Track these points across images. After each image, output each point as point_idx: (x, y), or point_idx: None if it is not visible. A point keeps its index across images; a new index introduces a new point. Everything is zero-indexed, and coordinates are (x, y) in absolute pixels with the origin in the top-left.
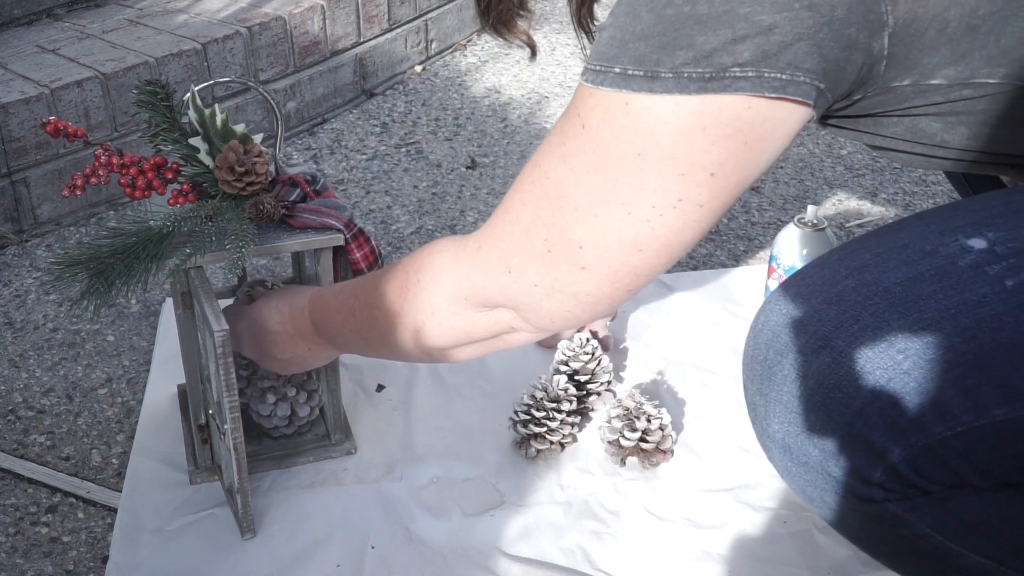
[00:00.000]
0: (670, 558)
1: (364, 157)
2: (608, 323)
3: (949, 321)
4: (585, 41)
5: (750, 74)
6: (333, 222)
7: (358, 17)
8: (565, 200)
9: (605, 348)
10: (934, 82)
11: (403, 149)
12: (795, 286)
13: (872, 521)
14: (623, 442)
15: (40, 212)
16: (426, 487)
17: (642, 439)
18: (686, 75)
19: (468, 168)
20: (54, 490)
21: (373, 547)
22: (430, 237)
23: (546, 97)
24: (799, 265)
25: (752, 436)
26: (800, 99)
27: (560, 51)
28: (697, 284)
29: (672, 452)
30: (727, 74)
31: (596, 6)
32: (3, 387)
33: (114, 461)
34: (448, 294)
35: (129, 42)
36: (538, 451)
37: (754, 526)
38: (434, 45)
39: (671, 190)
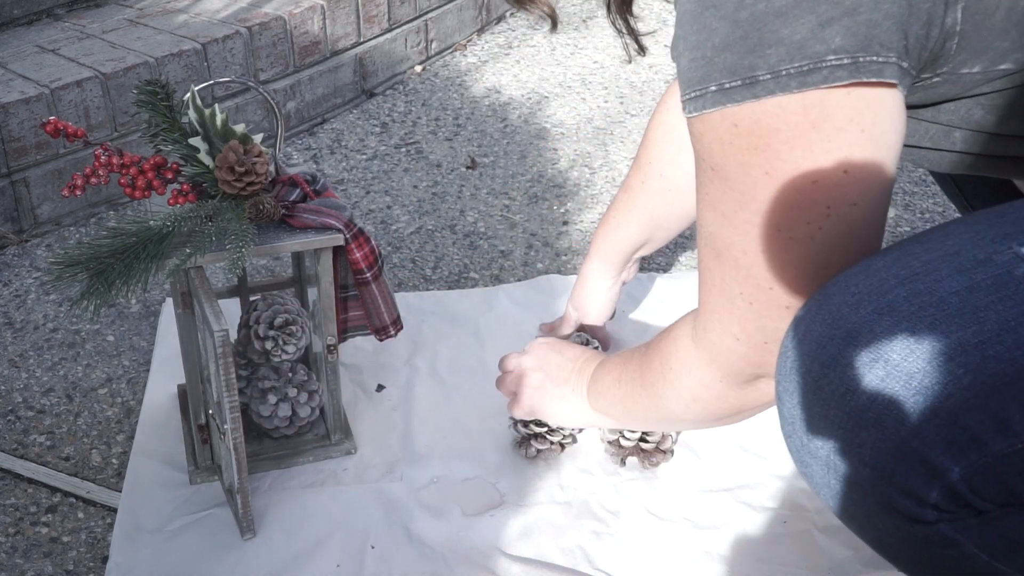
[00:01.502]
0: (670, 558)
1: (364, 157)
2: (606, 323)
3: (1010, 333)
4: (629, 41)
5: (846, 61)
6: (333, 222)
7: (358, 17)
8: (732, 247)
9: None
10: (1003, 67)
11: (403, 149)
12: (838, 295)
13: (920, 542)
14: (623, 442)
15: (40, 212)
16: (426, 487)
17: (642, 439)
18: (784, 72)
19: (468, 168)
20: (54, 490)
21: (373, 547)
22: (430, 237)
23: (546, 97)
24: None
25: (752, 436)
26: (894, 81)
27: (560, 51)
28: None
29: (672, 452)
30: (824, 63)
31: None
32: (3, 387)
33: (114, 461)
34: (707, 386)
35: (129, 42)
36: (538, 451)
37: (754, 526)
38: (434, 45)
39: (815, 201)
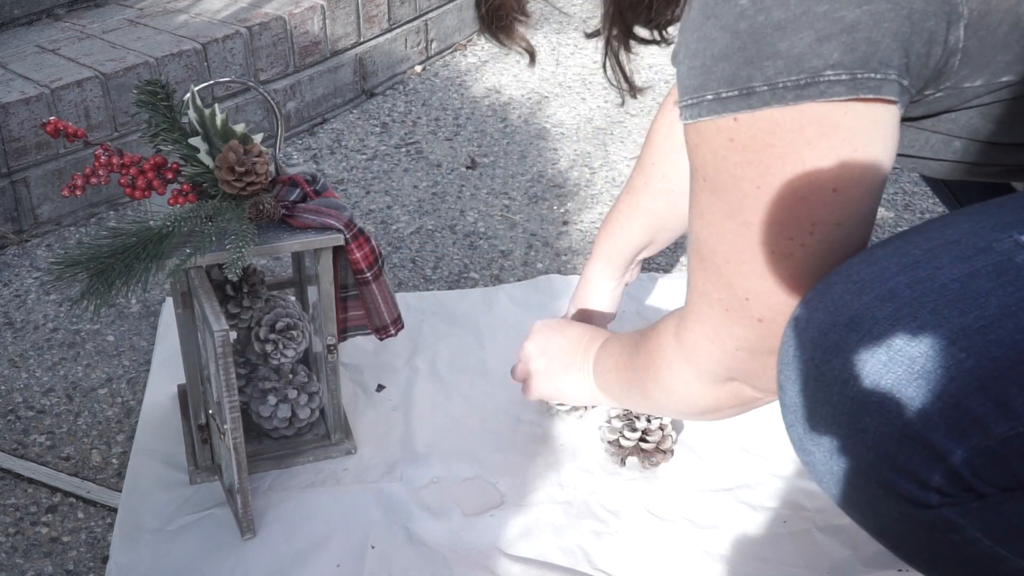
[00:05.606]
0: (670, 558)
1: (364, 157)
2: (608, 324)
3: (1011, 318)
4: (621, 79)
5: (844, 77)
6: (333, 222)
7: (358, 17)
8: (715, 255)
9: None
10: (1004, 79)
11: (403, 149)
12: (840, 283)
13: (922, 527)
14: (623, 442)
15: (40, 212)
16: (426, 487)
17: (642, 439)
18: (781, 85)
19: (468, 168)
20: (54, 490)
21: (373, 547)
22: (430, 237)
23: (546, 97)
24: None
25: (753, 436)
26: (893, 98)
27: (560, 51)
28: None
29: (672, 452)
30: (822, 78)
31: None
32: (3, 387)
33: (114, 461)
34: (684, 382)
35: (129, 42)
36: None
37: (754, 526)
38: (434, 45)
39: (801, 217)
